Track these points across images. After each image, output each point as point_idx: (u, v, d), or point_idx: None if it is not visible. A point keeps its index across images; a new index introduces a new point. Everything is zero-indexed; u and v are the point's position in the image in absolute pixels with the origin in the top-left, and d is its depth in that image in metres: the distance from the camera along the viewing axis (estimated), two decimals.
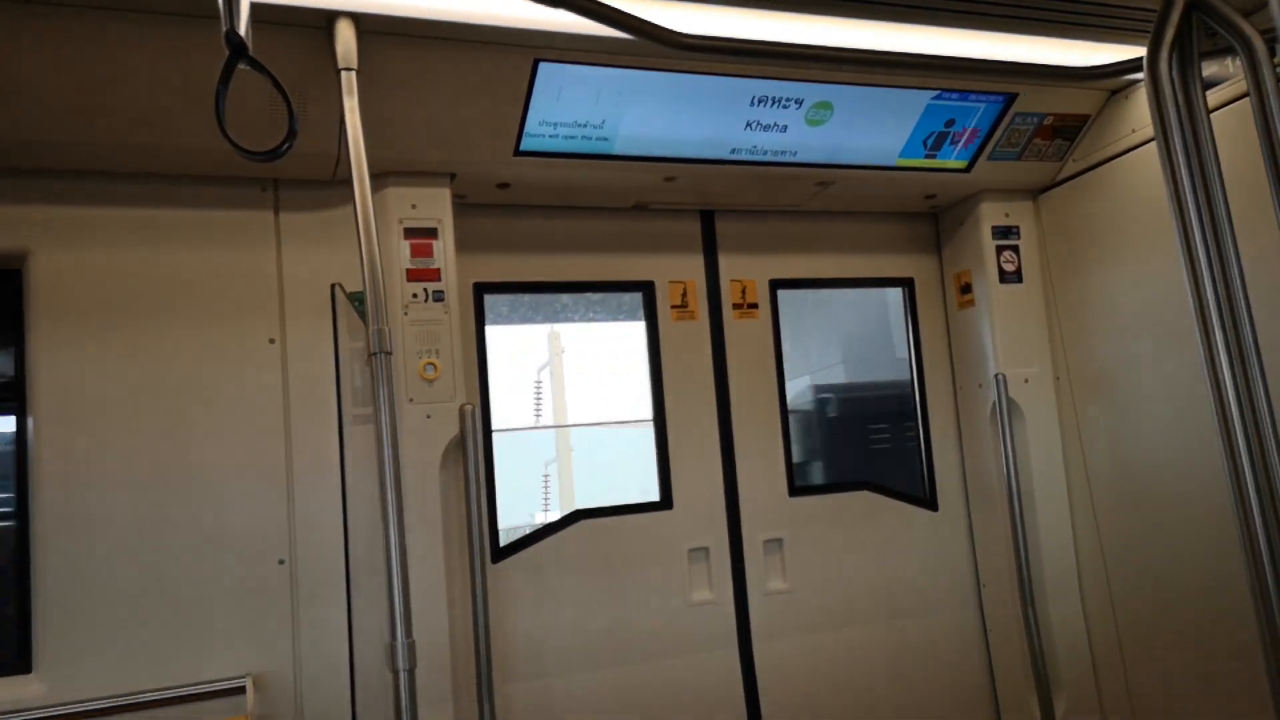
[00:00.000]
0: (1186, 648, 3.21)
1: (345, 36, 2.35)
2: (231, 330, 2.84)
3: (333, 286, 2.94)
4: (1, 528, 2.71)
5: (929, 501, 3.85)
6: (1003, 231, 3.70)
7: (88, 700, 2.56)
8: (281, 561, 2.80)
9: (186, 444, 2.75)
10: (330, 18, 2.36)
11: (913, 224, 3.98)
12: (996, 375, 3.60)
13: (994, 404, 3.62)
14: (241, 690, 2.66)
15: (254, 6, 1.99)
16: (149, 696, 2.61)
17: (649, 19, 2.39)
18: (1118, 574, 3.48)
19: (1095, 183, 3.46)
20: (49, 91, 2.39)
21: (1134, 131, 3.24)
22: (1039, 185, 3.70)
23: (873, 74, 2.97)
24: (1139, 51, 2.33)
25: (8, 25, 2.20)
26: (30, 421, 2.65)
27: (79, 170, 2.72)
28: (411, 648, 2.12)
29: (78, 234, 2.72)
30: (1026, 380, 3.64)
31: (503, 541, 3.24)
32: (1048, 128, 3.39)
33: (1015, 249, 3.71)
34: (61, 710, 2.54)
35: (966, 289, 3.80)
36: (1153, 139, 2.29)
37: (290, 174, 2.91)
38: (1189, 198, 2.03)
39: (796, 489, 3.64)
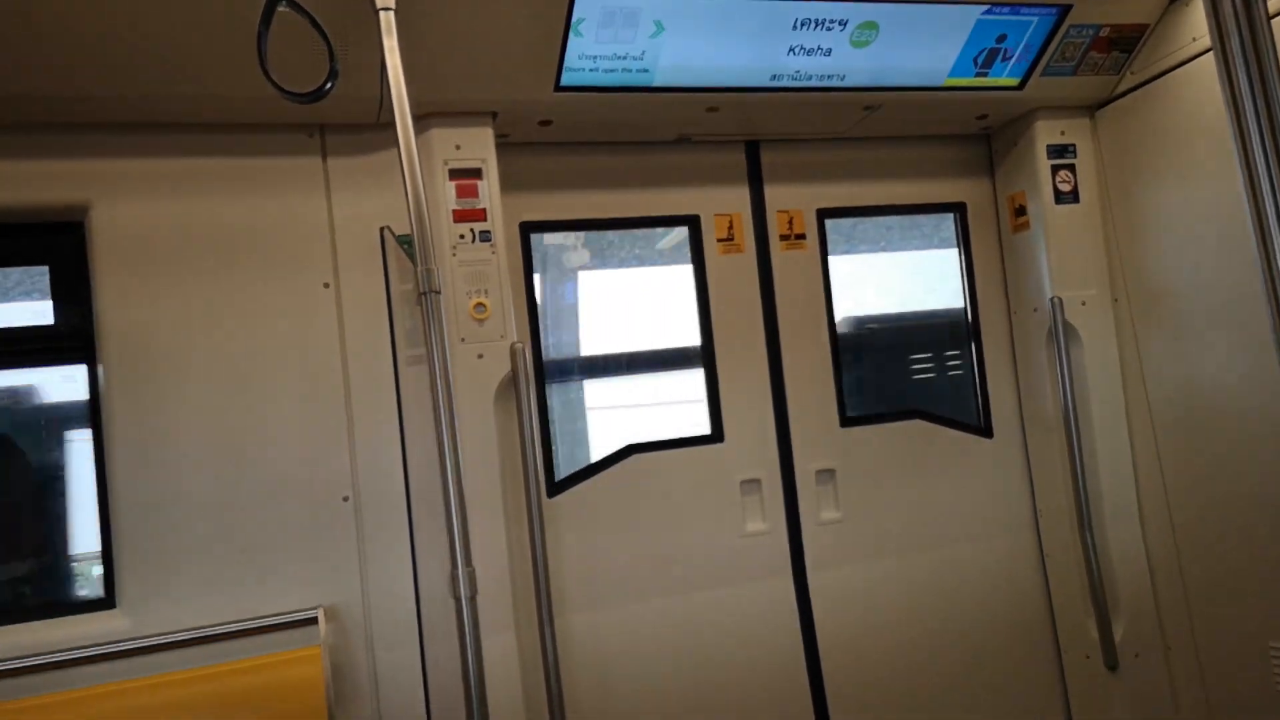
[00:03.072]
0: (1250, 571, 3.17)
1: None
2: (288, 276, 2.90)
3: (382, 230, 2.98)
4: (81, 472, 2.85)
5: (984, 429, 3.82)
6: (1058, 150, 3.60)
7: (169, 633, 2.69)
8: (346, 498, 2.89)
9: (250, 387, 2.84)
10: None
11: (964, 146, 3.88)
12: (1052, 299, 3.53)
13: (1050, 328, 3.56)
14: (314, 621, 2.77)
15: None
16: (226, 629, 2.73)
17: None
18: (1179, 498, 3.43)
19: (1155, 95, 3.33)
20: (98, 45, 2.43)
21: (1194, 40, 3.11)
22: (1096, 101, 3.58)
23: None
24: None
25: None
26: (100, 370, 2.75)
27: (133, 123, 2.78)
28: (472, 576, 2.18)
29: (135, 185, 2.79)
30: (1084, 303, 3.57)
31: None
32: (1104, 39, 3.27)
33: (1071, 168, 3.61)
34: (145, 643, 2.67)
35: (1021, 211, 3.72)
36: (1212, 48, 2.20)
37: (336, 118, 2.93)
38: (1248, 107, 1.95)
39: (848, 419, 3.64)
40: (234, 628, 2.74)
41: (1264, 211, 2.03)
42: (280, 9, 1.88)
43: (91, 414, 2.79)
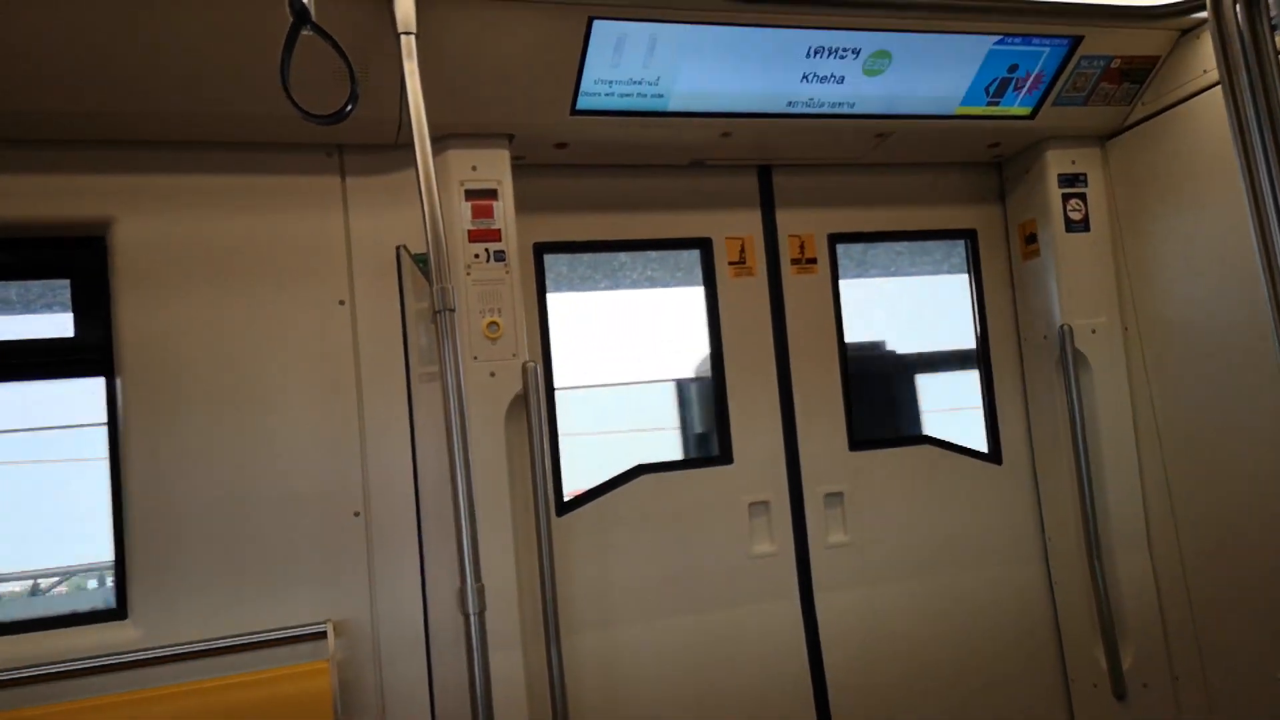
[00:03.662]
0: (1259, 601, 3.16)
1: (404, 1, 2.39)
2: (304, 292, 2.94)
3: (398, 249, 3.02)
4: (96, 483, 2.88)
5: (993, 455, 3.82)
6: (1069, 179, 3.62)
7: (179, 644, 2.71)
8: (357, 514, 2.91)
9: (265, 403, 2.87)
10: None
11: (975, 174, 3.91)
12: (1062, 326, 3.54)
13: (1059, 356, 3.57)
14: (323, 635, 2.79)
15: None
16: (236, 641, 2.75)
17: None
18: (1188, 527, 3.42)
19: (1166, 126, 3.36)
20: (125, 64, 2.49)
21: (1205, 73, 3.13)
22: (1106, 131, 3.61)
23: (932, 20, 2.92)
24: None
25: (84, 3, 2.29)
26: (119, 382, 2.79)
27: (157, 141, 2.83)
28: (480, 592, 2.20)
29: (158, 201, 2.84)
30: (1094, 331, 3.58)
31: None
32: (1115, 70, 3.30)
33: (1082, 197, 3.63)
34: (155, 653, 2.69)
35: (1031, 239, 3.73)
36: None
37: (355, 139, 2.98)
38: (1255, 140, 1.98)
39: (856, 443, 3.65)
40: (243, 640, 2.75)
41: (1270, 242, 2.05)
42: (304, 33, 1.93)
43: (109, 426, 2.83)
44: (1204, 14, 2.92)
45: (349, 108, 2.00)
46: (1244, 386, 3.13)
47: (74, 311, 2.87)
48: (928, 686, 3.58)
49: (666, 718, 3.27)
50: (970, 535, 3.73)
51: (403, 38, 2.39)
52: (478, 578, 2.20)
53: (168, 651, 2.70)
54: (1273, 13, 2.09)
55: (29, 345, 2.83)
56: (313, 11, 1.94)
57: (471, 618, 2.19)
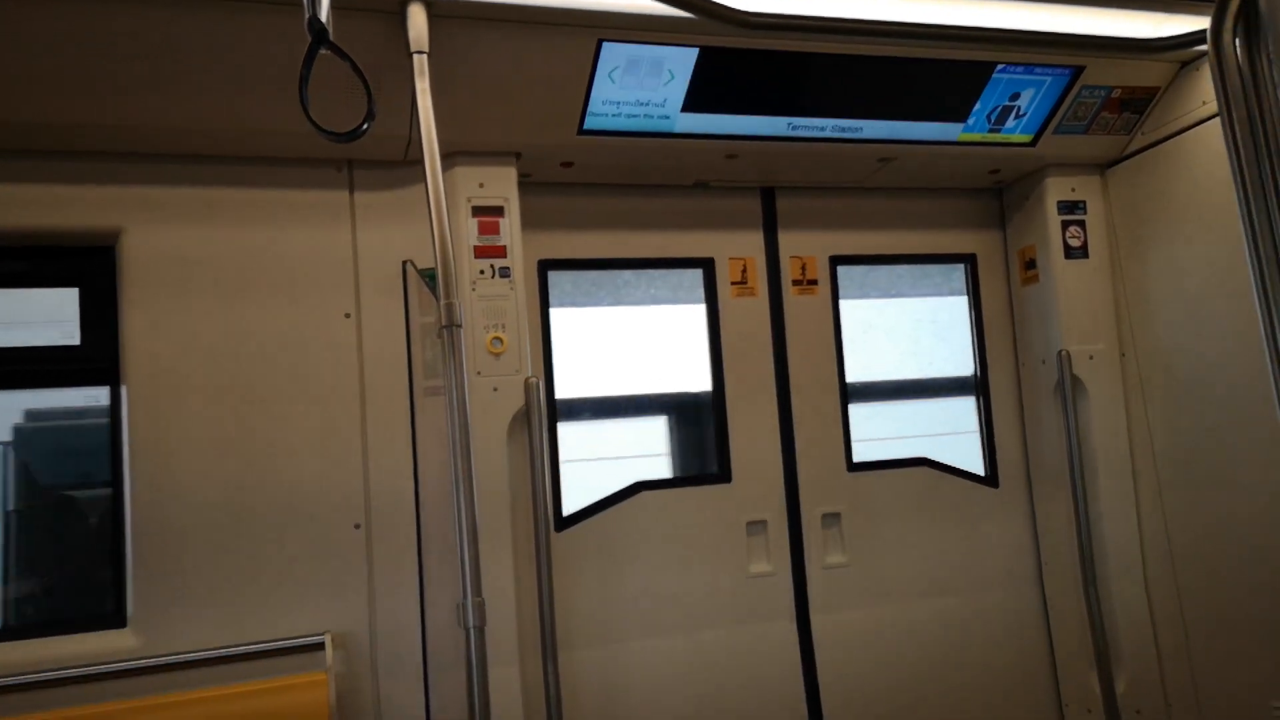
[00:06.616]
0: (1254, 630, 3.17)
1: (418, 21, 2.43)
2: (310, 305, 2.97)
3: (404, 263, 3.05)
4: (98, 494, 2.89)
5: (990, 479, 3.84)
6: (1068, 206, 3.66)
7: (177, 653, 2.72)
8: (357, 526, 2.93)
9: (268, 413, 2.89)
10: (403, 2, 2.44)
11: (976, 199, 3.95)
12: (1060, 352, 3.57)
13: (1057, 381, 3.59)
14: (320, 647, 2.80)
15: None
16: (234, 651, 2.76)
17: None
18: (1183, 553, 3.44)
19: (1165, 156, 3.40)
20: (138, 77, 2.52)
21: (1204, 104, 3.18)
22: (1106, 159, 3.65)
23: (937, 48, 2.96)
24: (1206, 22, 2.30)
25: (98, 15, 2.33)
26: (123, 391, 2.81)
27: (166, 153, 2.86)
28: (480, 607, 2.21)
29: (166, 213, 2.86)
30: (1091, 357, 3.61)
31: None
32: (1115, 100, 3.34)
33: (1081, 224, 3.66)
34: (153, 661, 2.70)
35: (1031, 265, 3.77)
36: None
37: (364, 155, 3.01)
38: (1253, 173, 2.01)
39: (855, 464, 3.67)
40: (241, 650, 2.76)
41: (1265, 271, 2.08)
42: (322, 53, 1.96)
43: (112, 435, 2.85)
44: (1204, 47, 2.97)
45: (365, 126, 2.03)
46: (1239, 413, 3.16)
47: (81, 320, 2.89)
48: (922, 710, 3.58)
49: None
50: (966, 558, 3.74)
51: (415, 57, 2.42)
52: (478, 592, 2.21)
53: (166, 660, 2.71)
54: (1271, 45, 2.13)
55: (35, 353, 2.85)
56: (330, 31, 1.97)
57: (471, 632, 2.19)
